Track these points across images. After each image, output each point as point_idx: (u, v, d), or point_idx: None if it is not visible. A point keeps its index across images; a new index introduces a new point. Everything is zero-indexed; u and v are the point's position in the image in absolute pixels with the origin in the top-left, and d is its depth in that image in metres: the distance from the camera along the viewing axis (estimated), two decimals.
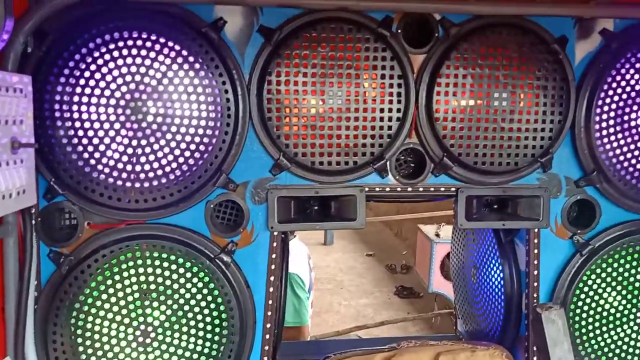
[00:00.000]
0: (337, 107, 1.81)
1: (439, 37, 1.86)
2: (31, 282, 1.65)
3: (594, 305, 2.08)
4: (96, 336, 1.77)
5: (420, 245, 6.16)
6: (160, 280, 1.79)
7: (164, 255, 1.79)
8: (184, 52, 1.70)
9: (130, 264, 1.77)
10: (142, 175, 1.72)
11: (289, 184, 1.88)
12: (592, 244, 2.04)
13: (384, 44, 1.80)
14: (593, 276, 2.07)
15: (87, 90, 1.66)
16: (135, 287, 1.78)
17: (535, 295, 2.07)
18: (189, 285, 1.81)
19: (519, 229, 2.12)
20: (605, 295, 2.09)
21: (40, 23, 1.56)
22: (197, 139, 1.74)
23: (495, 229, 2.29)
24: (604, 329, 2.10)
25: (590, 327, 2.09)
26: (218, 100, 1.74)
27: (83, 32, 1.66)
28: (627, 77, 1.91)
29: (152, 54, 1.68)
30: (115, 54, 1.66)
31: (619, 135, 1.95)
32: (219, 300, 1.83)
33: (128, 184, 1.72)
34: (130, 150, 1.69)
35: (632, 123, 1.94)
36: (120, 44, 1.67)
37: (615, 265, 2.08)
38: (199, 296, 1.82)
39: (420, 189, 1.97)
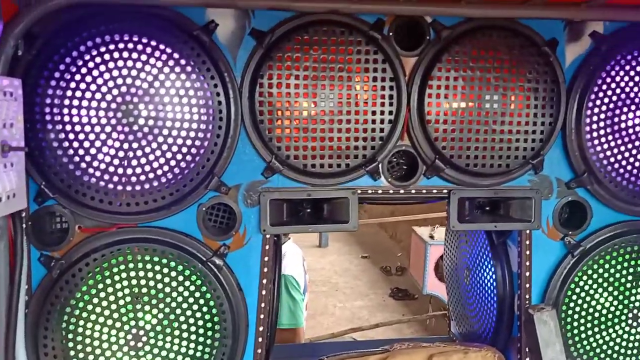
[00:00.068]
0: (329, 109, 1.82)
1: (430, 39, 1.86)
2: (22, 286, 1.63)
3: (585, 306, 2.09)
4: (87, 340, 1.76)
5: (415, 247, 6.18)
6: (152, 283, 1.78)
7: (156, 259, 1.78)
8: (176, 55, 1.70)
9: (122, 267, 1.76)
10: (134, 179, 1.71)
11: (281, 187, 1.88)
12: (583, 245, 2.05)
13: (375, 46, 1.81)
14: (585, 277, 2.08)
15: (78, 94, 1.65)
16: (126, 291, 1.77)
17: (527, 297, 2.08)
18: (181, 289, 1.81)
19: (511, 230, 2.13)
20: (596, 296, 2.10)
21: (31, 26, 1.56)
22: (188, 142, 1.73)
23: (487, 231, 2.30)
24: (596, 329, 2.11)
25: (582, 328, 2.10)
26: (210, 103, 1.74)
27: (73, 35, 1.65)
28: (617, 79, 1.92)
29: (144, 57, 1.67)
30: (106, 57, 1.66)
31: (610, 137, 1.96)
32: (211, 303, 1.83)
33: (119, 187, 1.71)
34: (121, 154, 1.69)
35: (622, 125, 1.95)
36: (111, 46, 1.66)
37: (607, 266, 2.09)
38: (191, 299, 1.81)
39: (413, 191, 1.98)
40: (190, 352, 1.83)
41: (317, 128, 1.82)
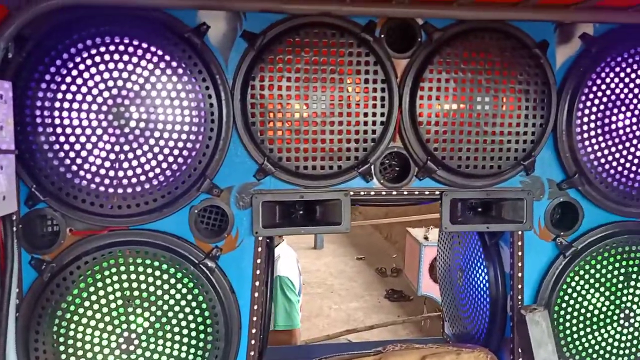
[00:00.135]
0: (321, 111, 1.82)
1: (421, 41, 1.87)
2: (12, 289, 1.63)
3: (577, 306, 2.10)
4: (79, 344, 1.76)
5: (409, 249, 6.18)
6: (143, 286, 1.78)
7: (148, 262, 1.78)
8: (167, 57, 1.69)
9: (113, 270, 1.76)
10: (125, 181, 1.71)
11: (274, 189, 1.88)
12: (575, 246, 2.06)
13: (367, 48, 1.81)
14: (576, 278, 2.09)
15: (69, 96, 1.65)
16: (118, 294, 1.77)
17: (519, 297, 2.08)
18: (173, 292, 1.80)
19: (503, 231, 2.13)
20: (588, 296, 2.10)
21: (21, 28, 1.55)
22: (180, 144, 1.73)
23: (480, 232, 2.31)
24: (588, 330, 2.11)
25: (574, 329, 2.10)
26: (201, 105, 1.74)
27: (64, 37, 1.65)
28: (607, 80, 1.93)
29: (135, 59, 1.67)
30: (97, 59, 1.65)
31: (600, 138, 1.97)
32: (204, 306, 1.82)
33: (110, 190, 1.70)
34: (112, 156, 1.68)
35: (613, 126, 1.96)
36: (102, 49, 1.66)
37: (598, 266, 2.09)
38: (183, 302, 1.81)
39: (405, 193, 1.98)
40: (183, 355, 1.82)
41: (309, 130, 1.82)
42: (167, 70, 1.69)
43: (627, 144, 1.98)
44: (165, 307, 1.80)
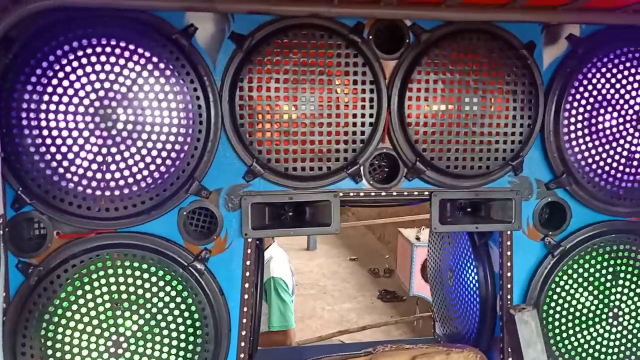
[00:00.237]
0: (309, 112, 1.82)
1: (410, 43, 1.88)
2: None
3: (566, 305, 2.11)
4: (67, 347, 1.74)
5: (401, 249, 6.19)
6: (132, 289, 1.77)
7: (136, 264, 1.77)
8: (154, 59, 1.69)
9: (101, 273, 1.75)
10: (113, 184, 1.70)
11: (263, 190, 1.87)
12: (563, 245, 2.08)
13: (355, 50, 1.81)
14: (565, 277, 2.10)
15: (55, 98, 1.63)
16: (106, 297, 1.75)
17: (509, 297, 2.09)
18: (161, 294, 1.79)
19: (492, 231, 2.14)
20: (577, 295, 2.12)
21: (7, 30, 1.53)
22: (168, 146, 1.72)
23: (469, 232, 2.32)
24: (577, 329, 2.13)
25: (563, 328, 2.12)
26: (189, 107, 1.73)
27: (51, 39, 1.64)
28: (594, 81, 1.95)
29: (122, 61, 1.66)
30: (84, 61, 1.64)
31: (587, 138, 1.98)
32: (193, 308, 1.81)
33: (98, 193, 1.69)
34: (99, 158, 1.67)
35: (600, 126, 1.98)
36: (89, 50, 1.65)
37: (587, 265, 2.11)
38: (172, 305, 1.80)
39: (394, 194, 1.99)
40: (172, 358, 1.81)
41: (298, 131, 1.82)
42: (154, 72, 1.69)
43: (614, 144, 2.00)
44: (154, 310, 1.79)
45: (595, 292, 2.13)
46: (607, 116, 1.98)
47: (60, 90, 1.64)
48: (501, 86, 1.90)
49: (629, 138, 2.00)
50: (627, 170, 2.03)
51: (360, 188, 1.95)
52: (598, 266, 2.12)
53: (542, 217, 2.12)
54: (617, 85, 1.96)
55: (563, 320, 2.11)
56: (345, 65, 1.81)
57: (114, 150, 1.68)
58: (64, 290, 1.73)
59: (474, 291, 2.32)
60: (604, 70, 1.95)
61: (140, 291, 1.78)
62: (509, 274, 2.08)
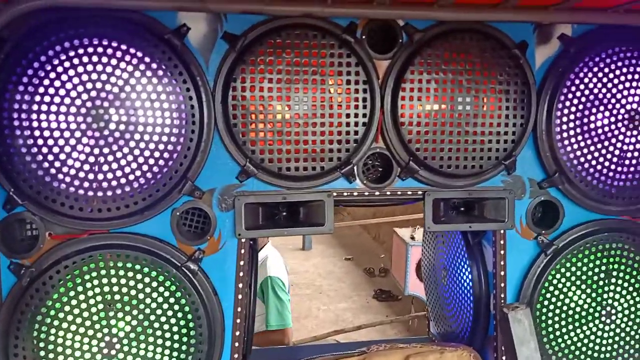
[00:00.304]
0: (303, 112, 1.82)
1: (403, 43, 1.88)
2: None
3: (559, 304, 2.12)
4: (59, 349, 1.73)
5: (396, 248, 6.20)
6: (125, 290, 1.76)
7: (129, 265, 1.76)
8: (147, 59, 1.68)
9: (94, 274, 1.74)
10: (105, 184, 1.69)
11: (256, 190, 1.87)
12: (556, 244, 2.09)
13: (348, 49, 1.82)
14: (558, 275, 2.11)
15: (47, 98, 1.63)
16: (99, 298, 1.75)
17: (502, 296, 2.10)
18: (155, 295, 1.79)
19: (486, 230, 2.15)
20: (570, 294, 2.13)
21: None
22: (161, 147, 1.72)
23: (463, 232, 2.33)
24: (570, 327, 2.14)
25: (556, 326, 2.13)
26: (182, 107, 1.73)
27: (43, 39, 1.63)
28: (586, 80, 1.96)
29: (114, 61, 1.65)
30: (76, 61, 1.64)
31: (579, 138, 1.99)
32: (187, 309, 1.81)
33: (90, 193, 1.69)
34: (92, 159, 1.67)
35: (591, 125, 1.99)
36: (81, 51, 1.64)
37: (579, 264, 2.12)
38: (165, 305, 1.80)
39: (388, 193, 1.99)
40: (165, 358, 1.81)
41: (291, 131, 1.82)
42: (147, 72, 1.68)
43: (606, 143, 2.00)
44: (148, 311, 1.79)
45: (588, 291, 2.14)
46: (599, 115, 1.99)
47: (52, 90, 1.63)
48: (494, 86, 1.91)
49: (620, 137, 2.01)
50: (619, 169, 2.04)
51: (354, 188, 1.95)
52: (591, 265, 2.13)
53: (535, 216, 2.12)
54: (609, 85, 1.97)
55: (556, 318, 2.12)
56: (339, 65, 1.81)
57: (106, 150, 1.67)
58: (57, 292, 1.72)
59: (467, 290, 2.32)
60: (595, 69, 1.96)
61: (133, 292, 1.77)
62: (502, 273, 2.09)
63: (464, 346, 2.13)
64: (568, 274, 2.11)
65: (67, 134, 1.65)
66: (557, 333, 2.13)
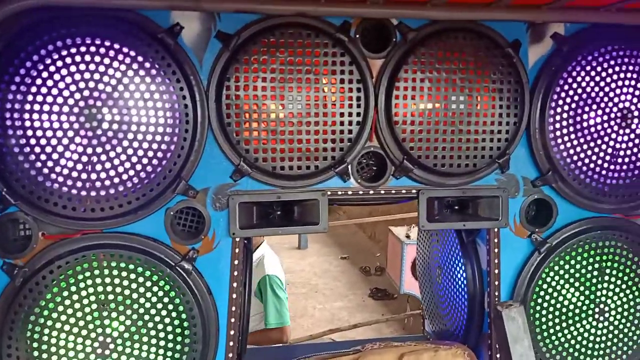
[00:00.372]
0: (297, 111, 1.82)
1: (396, 42, 1.88)
2: None
3: (553, 302, 2.13)
4: (53, 349, 1.73)
5: (391, 247, 6.21)
6: (118, 290, 1.76)
7: (122, 265, 1.75)
8: (140, 58, 1.67)
9: (87, 274, 1.73)
10: (98, 184, 1.68)
11: (251, 190, 1.87)
12: (549, 242, 2.09)
13: (342, 49, 1.82)
14: (551, 273, 2.12)
15: (39, 98, 1.62)
16: (92, 298, 1.74)
17: (496, 294, 2.11)
18: (149, 295, 1.78)
19: (480, 229, 2.16)
20: (563, 291, 2.14)
21: None
22: (154, 146, 1.71)
23: (457, 230, 2.33)
24: (564, 325, 2.15)
25: (550, 324, 2.14)
26: (176, 107, 1.73)
27: (35, 38, 1.62)
28: (579, 79, 1.97)
29: (107, 60, 1.65)
30: (69, 60, 1.63)
31: (572, 136, 2.00)
32: (181, 308, 1.81)
33: (83, 193, 1.68)
34: (85, 158, 1.66)
35: (584, 124, 1.99)
36: (74, 50, 1.63)
37: (573, 262, 2.13)
38: (159, 305, 1.79)
39: (382, 192, 1.99)
40: (160, 358, 1.80)
41: (285, 130, 1.82)
42: (140, 71, 1.68)
43: (599, 142, 2.01)
44: (142, 311, 1.78)
45: (582, 288, 2.15)
46: (592, 114, 2.00)
47: (44, 89, 1.62)
48: (487, 84, 1.91)
49: (613, 135, 2.02)
50: (612, 167, 2.05)
51: (348, 187, 1.95)
52: (584, 262, 2.14)
53: (529, 214, 2.13)
54: (602, 83, 1.98)
55: (550, 316, 2.13)
56: (332, 64, 1.81)
57: (99, 150, 1.67)
58: (50, 292, 1.72)
59: (462, 288, 2.33)
60: (588, 68, 1.97)
61: (127, 292, 1.77)
62: (496, 271, 2.10)
63: (458, 344, 2.13)
64: (561, 272, 2.12)
65: (60, 133, 1.64)
66: (551, 330, 2.14)
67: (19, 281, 1.70)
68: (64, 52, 1.63)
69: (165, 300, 1.80)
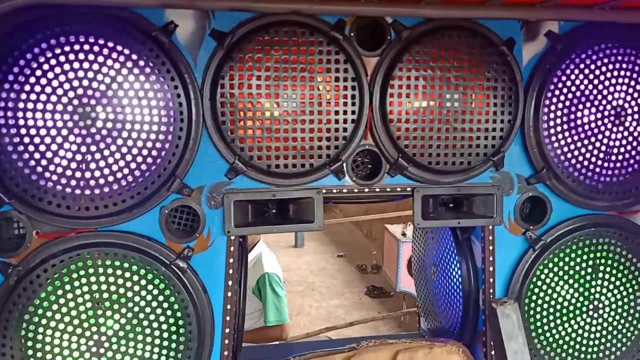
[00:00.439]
0: (291, 109, 1.82)
1: (391, 40, 1.88)
2: None
3: (547, 298, 2.14)
4: (47, 348, 1.73)
5: (388, 245, 6.22)
6: (113, 288, 1.76)
7: (117, 263, 1.75)
8: (134, 56, 1.67)
9: (82, 273, 1.73)
10: (93, 182, 1.68)
11: (245, 188, 1.87)
12: (544, 239, 2.10)
13: (337, 47, 1.82)
14: (546, 270, 2.13)
15: (33, 96, 1.61)
16: (87, 297, 1.74)
17: (491, 291, 2.12)
18: (144, 293, 1.78)
19: (475, 226, 2.16)
20: (558, 288, 2.15)
21: None
22: (149, 144, 1.71)
23: (452, 228, 2.34)
24: (558, 321, 2.16)
25: (544, 321, 2.15)
26: (170, 105, 1.72)
27: (28, 36, 1.62)
28: (572, 77, 1.97)
29: (100, 58, 1.64)
30: (62, 58, 1.62)
31: (566, 134, 2.01)
32: (176, 307, 1.81)
33: (78, 191, 1.67)
34: (79, 157, 1.66)
35: (578, 122, 2.00)
36: (67, 48, 1.63)
37: (567, 259, 2.14)
38: (154, 303, 1.79)
39: (377, 190, 2.00)
40: (155, 356, 1.81)
41: (280, 128, 1.82)
42: (134, 69, 1.67)
43: (593, 139, 2.02)
44: (136, 309, 1.78)
45: (576, 285, 2.16)
46: (586, 112, 2.00)
47: (38, 88, 1.62)
48: (482, 82, 1.92)
49: (607, 133, 2.03)
50: (606, 164, 2.06)
51: (343, 185, 1.95)
52: (578, 259, 2.15)
53: (523, 212, 2.14)
54: (595, 81, 1.99)
55: (544, 313, 2.14)
56: (327, 62, 1.81)
57: (93, 148, 1.66)
58: (44, 290, 1.71)
59: (457, 286, 2.34)
60: (582, 66, 1.98)
61: (122, 290, 1.77)
62: (491, 268, 2.10)
63: (453, 341, 2.14)
64: (556, 269, 2.13)
65: (53, 131, 1.63)
66: (545, 327, 2.15)
67: (13, 280, 1.70)
68: (58, 50, 1.63)
69: (160, 298, 1.80)
